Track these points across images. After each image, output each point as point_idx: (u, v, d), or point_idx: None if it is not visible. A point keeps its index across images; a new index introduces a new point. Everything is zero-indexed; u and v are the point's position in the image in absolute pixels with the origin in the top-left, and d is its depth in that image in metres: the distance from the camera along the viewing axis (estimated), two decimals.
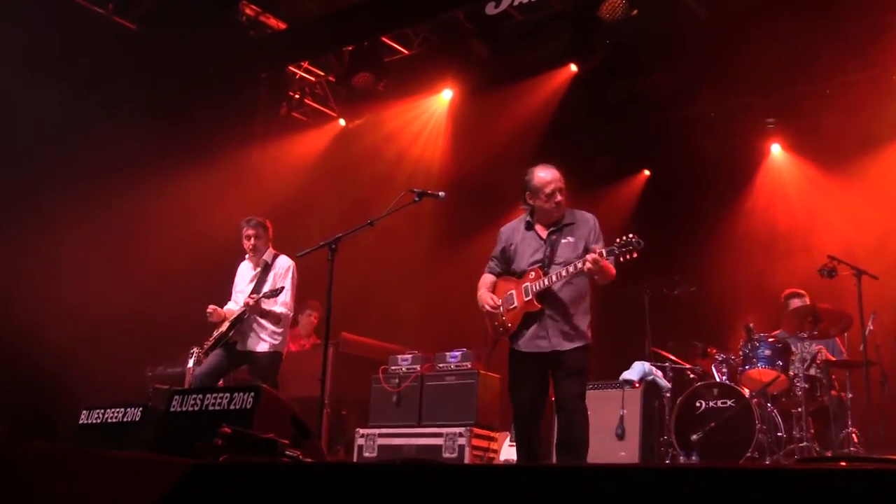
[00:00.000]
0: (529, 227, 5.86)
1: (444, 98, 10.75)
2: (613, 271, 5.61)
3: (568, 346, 5.61)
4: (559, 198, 5.73)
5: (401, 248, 10.72)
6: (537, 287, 5.60)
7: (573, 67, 10.15)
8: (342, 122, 11.34)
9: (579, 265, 5.46)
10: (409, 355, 8.49)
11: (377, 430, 8.20)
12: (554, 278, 5.56)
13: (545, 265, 5.67)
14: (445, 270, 10.43)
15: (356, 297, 9.61)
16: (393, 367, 8.47)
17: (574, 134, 10.89)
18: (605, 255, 5.44)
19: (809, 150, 10.33)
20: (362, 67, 10.08)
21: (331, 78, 11.04)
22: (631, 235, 5.44)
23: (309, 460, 3.95)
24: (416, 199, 6.36)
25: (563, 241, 5.73)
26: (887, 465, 3.26)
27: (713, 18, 9.09)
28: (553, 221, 5.79)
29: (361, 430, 8.30)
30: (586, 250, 5.60)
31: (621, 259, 5.45)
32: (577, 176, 11.03)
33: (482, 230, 10.65)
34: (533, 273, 5.66)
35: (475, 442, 7.76)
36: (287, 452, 3.82)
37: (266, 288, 7.13)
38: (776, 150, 10.74)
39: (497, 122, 10.43)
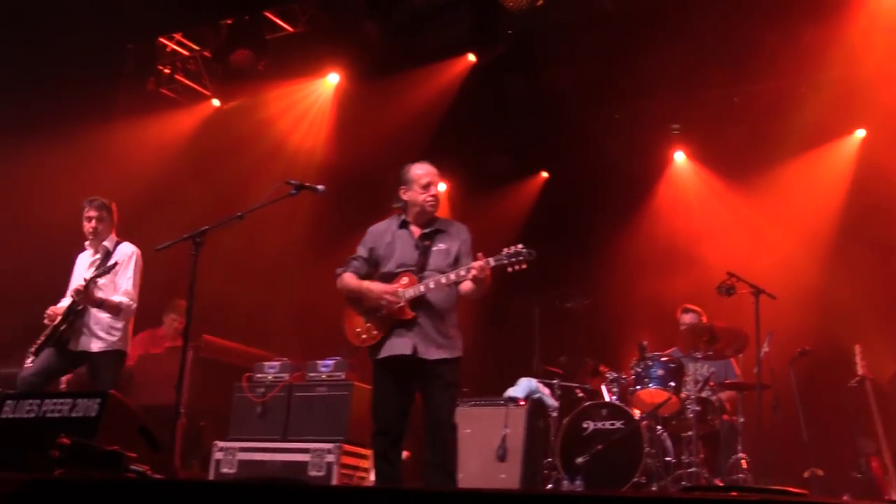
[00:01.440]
0: (404, 225, 5.96)
1: (329, 82, 10.74)
2: (489, 284, 5.72)
3: (439, 355, 5.70)
4: (434, 191, 5.88)
5: (274, 244, 10.64)
6: (411, 293, 5.67)
7: (472, 57, 10.29)
8: (216, 102, 11.22)
9: (462, 272, 5.58)
10: (278, 363, 8.43)
11: (238, 444, 8.11)
12: (431, 285, 5.65)
13: (417, 271, 5.76)
14: (323, 271, 10.32)
15: (221, 297, 9.49)
16: (259, 375, 8.39)
17: (469, 129, 10.99)
18: (492, 263, 5.54)
19: (714, 159, 10.69)
20: (241, 44, 9.98)
21: (206, 53, 10.88)
22: (520, 246, 5.56)
23: (158, 476, 3.94)
24: (293, 191, 6.31)
25: (435, 248, 5.85)
26: (772, 496, 3.46)
27: (621, 14, 9.29)
28: (427, 221, 5.91)
29: (220, 444, 8.18)
30: (457, 260, 5.76)
31: (510, 270, 5.54)
32: (471, 175, 11.28)
33: (364, 229, 10.72)
34: (406, 278, 5.74)
35: (345, 460, 7.75)
36: (133, 467, 3.81)
37: (105, 278, 6.94)
38: (680, 157, 11.10)
39: (387, 111, 10.44)
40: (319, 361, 8.33)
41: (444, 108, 10.43)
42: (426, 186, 5.88)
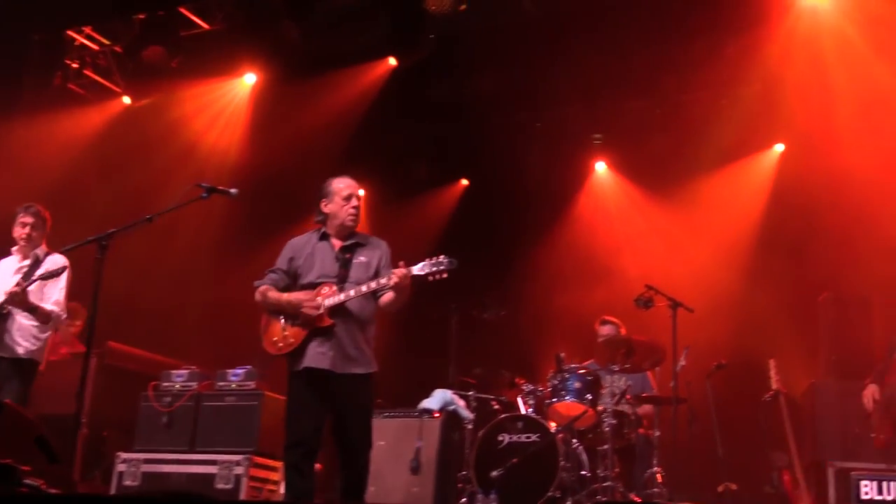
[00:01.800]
0: (324, 237, 6.09)
1: (246, 82, 10.66)
2: (408, 296, 5.88)
3: (355, 370, 5.84)
4: (356, 203, 6.08)
5: (184, 249, 10.53)
6: (331, 302, 5.78)
7: (392, 61, 10.29)
8: (126, 99, 11.04)
9: (383, 281, 5.73)
10: (186, 371, 8.36)
11: (142, 456, 8.03)
12: (352, 293, 5.77)
13: (338, 282, 5.88)
14: (234, 277, 10.29)
15: (128, 302, 9.39)
16: (166, 384, 8.32)
17: (389, 134, 11.06)
18: (413, 272, 5.68)
19: (635, 170, 10.86)
20: (154, 40, 9.85)
21: (117, 48, 10.71)
22: (442, 256, 5.71)
23: (53, 490, 3.87)
24: (205, 194, 6.27)
25: (356, 260, 6.00)
26: None
27: (545, 21, 9.37)
28: (347, 233, 6.07)
29: (123, 455, 8.09)
30: (377, 273, 5.90)
31: (430, 279, 5.68)
32: (389, 181, 11.29)
33: (280, 234, 10.60)
34: (326, 288, 5.85)
35: (254, 472, 7.72)
36: (27, 481, 3.73)
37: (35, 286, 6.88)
38: (601, 167, 11.25)
39: (304, 114, 10.42)
40: (229, 370, 8.28)
41: (363, 113, 10.43)
42: (347, 199, 6.06)
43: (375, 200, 11.52)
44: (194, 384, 8.24)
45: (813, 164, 9.55)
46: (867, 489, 4.90)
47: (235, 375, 8.23)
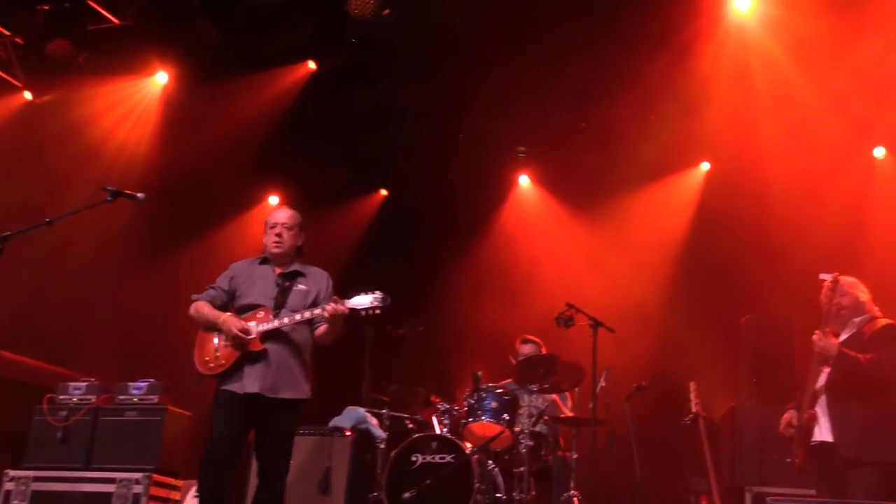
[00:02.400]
0: (265, 262, 6.32)
1: (157, 82, 10.46)
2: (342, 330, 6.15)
3: (284, 395, 6.01)
4: (278, 230, 6.29)
5: (85, 254, 10.27)
6: (264, 327, 5.97)
7: (312, 65, 10.24)
8: (28, 94, 10.72)
9: (317, 311, 5.97)
10: (84, 383, 8.20)
11: (33, 473, 7.83)
12: (285, 320, 5.98)
13: (274, 307, 6.09)
14: (139, 286, 10.19)
15: (22, 309, 9.19)
16: (62, 397, 8.15)
17: (307, 141, 10.96)
18: (348, 307, 5.94)
19: (559, 185, 10.99)
20: (59, 33, 9.62)
21: (18, 40, 10.45)
22: (378, 292, 5.99)
23: None
24: (110, 198, 6.19)
25: (295, 288, 6.23)
26: None
27: (472, 29, 9.38)
28: (286, 261, 6.31)
29: (11, 473, 7.89)
30: (315, 303, 6.10)
31: (363, 314, 5.97)
32: (306, 188, 11.21)
33: (189, 241, 10.51)
34: (262, 313, 6.04)
35: (154, 491, 7.61)
36: None
37: None
38: (525, 181, 11.33)
39: (219, 117, 10.28)
40: (131, 383, 8.16)
41: (280, 117, 10.35)
42: (271, 227, 6.31)
43: (291, 208, 11.45)
44: (93, 397, 8.08)
45: (738, 183, 9.78)
46: None
47: (137, 389, 8.11)
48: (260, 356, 5.97)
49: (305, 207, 11.03)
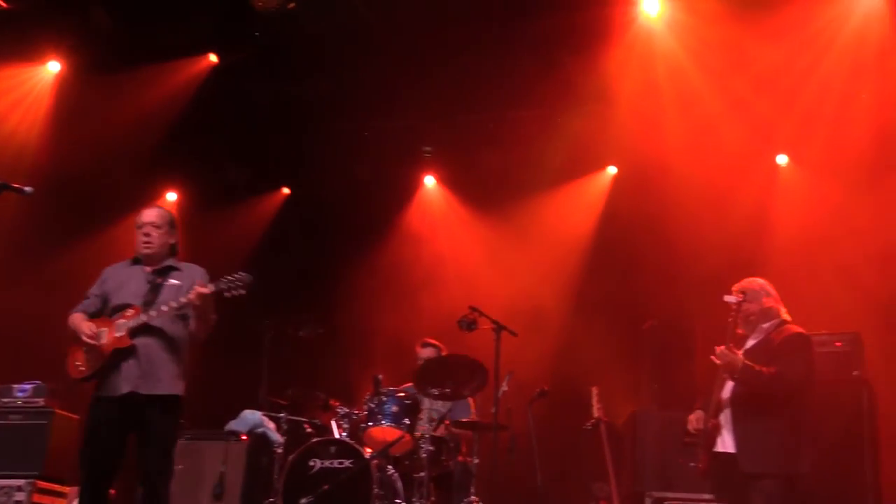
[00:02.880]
0: (137, 262, 6.31)
1: (49, 70, 10.25)
2: (214, 318, 6.18)
3: (158, 391, 5.95)
4: (146, 230, 6.30)
5: None
6: (133, 323, 5.94)
7: (213, 58, 10.14)
8: None
9: (182, 299, 5.95)
10: None
11: None
12: (154, 314, 5.96)
13: (145, 304, 6.06)
14: (24, 284, 9.95)
15: None
16: None
17: (207, 136, 10.80)
18: (209, 289, 5.92)
19: (465, 186, 11.08)
20: None
21: None
22: (240, 272, 5.99)
23: None
24: None
25: (167, 283, 6.21)
26: None
27: (380, 26, 9.46)
28: (159, 260, 6.31)
29: None
30: None
31: (227, 295, 5.95)
32: (206, 185, 11.13)
33: (80, 238, 10.32)
34: (131, 311, 6.01)
35: (38, 498, 7.53)
36: None
37: None
38: (430, 182, 11.41)
39: (115, 109, 10.07)
40: (15, 385, 8.04)
41: (179, 111, 10.21)
42: (139, 227, 6.31)
43: (188, 206, 11.34)
44: None
45: (644, 188, 9.97)
46: None
47: (22, 391, 8.02)
48: (129, 354, 5.95)
49: (204, 205, 11.11)
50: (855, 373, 7.98)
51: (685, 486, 7.74)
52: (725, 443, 6.49)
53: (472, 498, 7.79)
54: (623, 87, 9.33)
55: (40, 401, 7.92)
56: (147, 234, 6.24)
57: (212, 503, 7.70)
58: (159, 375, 5.97)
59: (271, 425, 8.26)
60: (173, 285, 6.19)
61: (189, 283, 6.16)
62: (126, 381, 5.91)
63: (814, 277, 8.41)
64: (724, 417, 6.52)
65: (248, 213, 11.47)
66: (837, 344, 8.09)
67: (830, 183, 9.50)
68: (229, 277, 5.94)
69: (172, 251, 6.42)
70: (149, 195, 11.29)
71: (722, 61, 9.00)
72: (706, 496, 6.96)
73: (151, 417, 5.93)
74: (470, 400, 8.69)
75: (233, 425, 8.11)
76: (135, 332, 5.94)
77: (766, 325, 6.69)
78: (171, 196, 11.47)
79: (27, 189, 6.14)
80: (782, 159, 10.24)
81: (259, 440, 8.09)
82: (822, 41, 8.78)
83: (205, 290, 5.88)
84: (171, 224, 6.40)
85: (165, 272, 6.28)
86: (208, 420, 8.21)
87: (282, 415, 8.31)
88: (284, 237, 11.18)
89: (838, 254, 8.85)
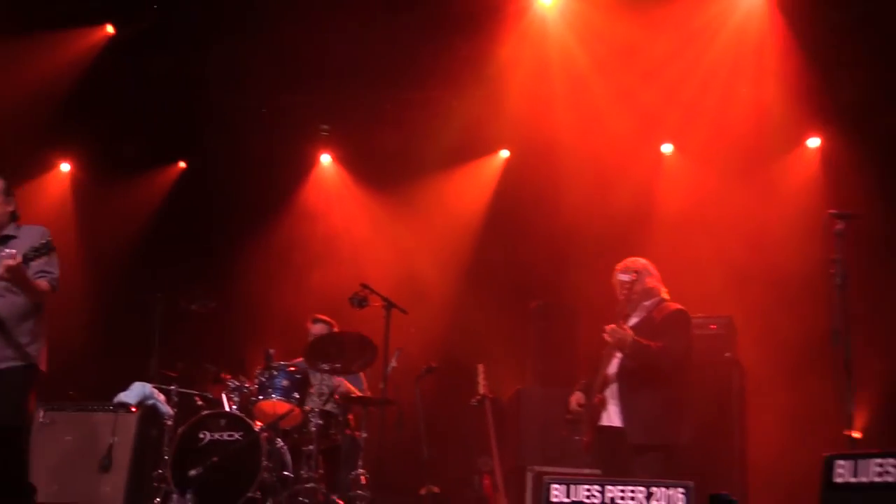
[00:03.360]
0: None
1: None
2: (42, 286, 6.10)
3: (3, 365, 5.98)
4: None
5: None
6: None
7: (110, 29, 10.05)
8: None
9: None
10: None
11: None
12: None
13: None
14: None
15: None
16: None
17: (103, 107, 10.62)
18: (17, 259, 5.83)
19: (361, 165, 11.15)
20: None
21: None
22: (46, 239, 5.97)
23: None
24: None
25: (2, 253, 6.04)
26: None
27: (280, 2, 9.50)
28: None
29: None
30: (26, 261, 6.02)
31: (34, 259, 5.93)
32: (100, 158, 11.01)
33: None
34: None
35: None
36: None
37: None
38: (326, 160, 11.45)
39: (6, 77, 9.81)
40: None
41: (75, 81, 10.08)
42: None
43: (82, 178, 11.25)
44: None
45: (534, 172, 10.12)
46: (557, 493, 5.26)
47: None
48: None
49: (98, 177, 11.00)
50: (727, 354, 8.27)
51: (566, 460, 7.91)
52: (611, 417, 6.75)
53: (360, 471, 7.92)
54: (517, 72, 9.46)
55: None
56: None
57: (98, 475, 7.65)
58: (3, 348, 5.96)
59: (161, 397, 8.25)
60: (6, 254, 5.98)
61: (23, 250, 6.01)
62: None
63: (692, 261, 8.59)
64: (610, 392, 6.78)
65: (144, 187, 11.34)
66: (712, 327, 8.35)
67: (710, 170, 9.80)
68: (36, 245, 5.87)
69: (13, 218, 6.32)
70: (42, 166, 11.19)
71: (612, 51, 9.19)
72: (586, 470, 7.04)
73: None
74: (362, 376, 8.82)
75: (122, 397, 8.05)
76: None
77: (647, 304, 6.97)
78: (65, 167, 11.35)
79: None
80: (667, 147, 10.50)
81: (149, 412, 8.06)
82: (706, 36, 9.04)
83: (11, 263, 5.78)
84: (4, 192, 6.33)
85: (3, 241, 6.19)
86: (98, 392, 8.18)
87: (172, 387, 8.27)
88: (179, 211, 11.08)
89: (715, 239, 9.13)
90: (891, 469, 4.62)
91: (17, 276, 5.86)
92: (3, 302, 6.03)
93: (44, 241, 6.08)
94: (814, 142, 10.01)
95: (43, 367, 6.20)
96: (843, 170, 9.37)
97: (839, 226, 6.33)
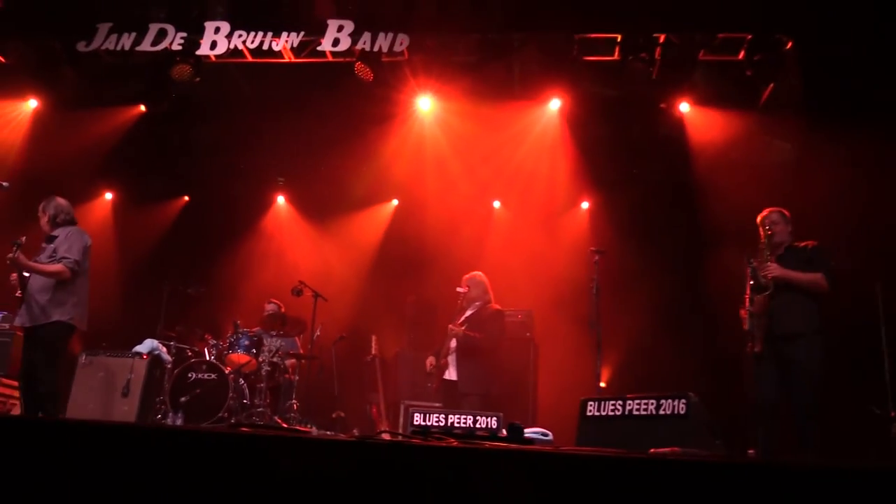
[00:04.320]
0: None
1: (29, 105, 9.91)
2: (54, 268, 5.89)
3: (33, 322, 5.89)
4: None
5: None
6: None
7: (143, 108, 9.97)
8: None
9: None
10: None
11: None
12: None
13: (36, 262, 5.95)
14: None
15: None
16: None
17: (135, 158, 10.34)
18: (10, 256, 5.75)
19: (303, 204, 11.09)
20: None
21: None
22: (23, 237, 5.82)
23: None
24: None
25: (46, 247, 6.08)
26: (279, 432, 3.92)
27: (255, 96, 9.41)
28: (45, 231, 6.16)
29: None
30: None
31: (8, 258, 5.77)
32: (131, 191, 10.85)
33: None
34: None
35: (2, 390, 7.38)
36: None
37: None
38: (281, 200, 11.37)
39: (74, 136, 9.61)
40: None
41: (118, 140, 9.79)
42: None
43: (120, 203, 10.93)
44: None
45: (413, 216, 10.21)
46: (418, 417, 5.42)
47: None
48: (22, 300, 5.87)
49: (132, 204, 10.73)
50: (527, 334, 8.52)
51: (425, 398, 8.02)
52: (451, 373, 7.05)
53: (293, 401, 8.11)
54: (404, 151, 9.49)
55: (7, 326, 7.68)
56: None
57: (121, 399, 7.61)
58: (35, 313, 5.84)
59: (164, 349, 8.23)
60: (46, 249, 6.02)
61: (52, 249, 5.96)
62: (22, 319, 5.89)
63: (510, 275, 8.66)
64: (451, 359, 7.07)
65: (161, 211, 11.05)
66: (519, 316, 8.59)
67: (522, 220, 10.05)
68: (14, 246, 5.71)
69: (52, 223, 6.09)
70: (92, 194, 10.82)
71: (462, 142, 9.27)
72: (436, 404, 7.19)
73: (36, 337, 5.83)
74: (297, 339, 8.90)
75: (138, 348, 8.03)
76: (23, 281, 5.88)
77: (478, 304, 7.22)
78: (108, 196, 11.00)
79: (5, 184, 6.07)
80: (496, 204, 10.68)
81: (155, 359, 8.03)
82: (522, 134, 9.21)
83: (9, 256, 5.69)
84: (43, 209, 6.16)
85: (50, 240, 6.09)
86: (122, 343, 8.08)
87: (172, 343, 8.35)
88: (183, 228, 10.86)
89: (524, 261, 9.30)
90: (619, 407, 5.03)
91: (17, 264, 5.70)
92: (32, 280, 5.89)
93: (52, 235, 6.00)
94: (585, 204, 10.27)
95: (80, 325, 6.02)
96: (600, 223, 9.72)
97: (597, 257, 6.78)
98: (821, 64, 7.35)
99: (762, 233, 5.83)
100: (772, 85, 7.95)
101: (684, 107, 8.65)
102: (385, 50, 7.81)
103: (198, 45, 8.06)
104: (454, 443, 3.23)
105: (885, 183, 6.65)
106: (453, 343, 7.07)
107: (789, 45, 7.49)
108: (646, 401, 4.81)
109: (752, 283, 5.62)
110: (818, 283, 5.57)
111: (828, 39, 7.22)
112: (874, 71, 6.96)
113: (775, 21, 7.44)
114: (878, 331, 6.75)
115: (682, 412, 4.64)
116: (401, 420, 8.07)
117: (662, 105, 8.68)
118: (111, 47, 8.23)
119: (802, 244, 5.80)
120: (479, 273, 7.41)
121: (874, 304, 6.78)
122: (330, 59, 8.08)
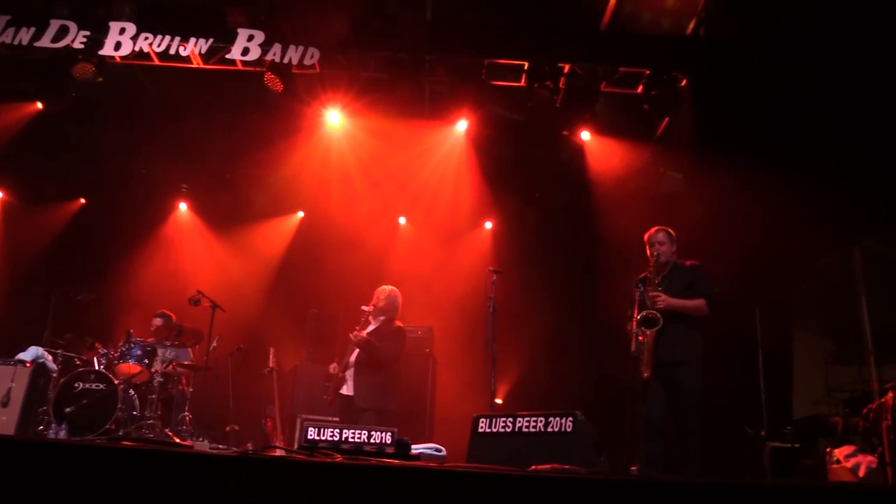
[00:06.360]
0: None
1: None
2: None
3: None
4: None
5: None
6: None
7: (40, 105, 9.55)
8: None
9: None
10: None
11: None
12: None
13: None
14: None
15: None
16: None
17: (29, 157, 9.90)
18: None
19: (205, 212, 10.86)
20: None
21: None
22: None
23: None
24: None
25: None
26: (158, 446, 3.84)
27: (161, 99, 9.24)
28: None
29: None
30: None
31: None
32: (23, 191, 10.37)
33: None
34: None
35: None
36: None
37: None
38: (183, 207, 11.07)
39: None
40: None
41: (13, 137, 9.11)
42: None
43: (10, 203, 10.42)
44: None
45: (318, 229, 10.18)
46: (312, 432, 5.38)
47: None
48: None
49: (23, 204, 10.28)
50: (427, 350, 8.64)
51: (323, 412, 7.92)
52: (348, 388, 7.03)
53: (186, 414, 7.90)
54: (310, 165, 9.43)
55: None
56: None
57: (0, 408, 7.31)
58: None
59: (49, 357, 7.92)
60: None
61: None
62: None
63: (413, 291, 8.52)
64: (349, 373, 7.03)
65: (53, 213, 10.56)
66: (419, 332, 8.70)
67: (427, 236, 10.14)
68: None
69: None
70: None
71: (369, 157, 9.31)
72: (333, 419, 7.17)
73: None
74: (191, 350, 8.68)
75: (21, 356, 7.71)
76: None
77: (382, 318, 7.25)
78: None
79: None
80: (402, 220, 10.76)
81: (39, 367, 7.71)
82: (428, 153, 9.30)
83: None
84: None
85: None
86: (3, 350, 7.75)
87: (59, 351, 8.00)
88: (77, 232, 10.41)
89: (428, 279, 9.37)
90: (509, 424, 5.13)
91: None
92: None
93: None
94: (488, 224, 10.45)
95: None
96: (502, 243, 9.93)
97: (494, 277, 6.91)
98: (712, 101, 7.77)
99: (649, 252, 6.13)
100: (667, 119, 8.36)
101: (585, 135, 8.94)
102: (295, 63, 7.81)
103: (101, 45, 7.86)
104: (339, 458, 3.22)
105: (765, 215, 7.07)
106: (353, 357, 7.04)
107: (684, 82, 7.91)
108: (535, 418, 4.95)
109: (639, 312, 5.87)
110: (701, 309, 5.99)
111: (719, 79, 7.67)
112: (761, 110, 7.41)
113: (672, 60, 7.86)
114: (757, 354, 7.13)
115: (569, 430, 4.81)
116: (296, 434, 7.96)
117: (565, 132, 8.96)
118: (7, 41, 7.91)
119: (685, 263, 6.19)
120: (394, 288, 7.45)
121: (753, 329, 7.16)
122: (240, 67, 8.01)
